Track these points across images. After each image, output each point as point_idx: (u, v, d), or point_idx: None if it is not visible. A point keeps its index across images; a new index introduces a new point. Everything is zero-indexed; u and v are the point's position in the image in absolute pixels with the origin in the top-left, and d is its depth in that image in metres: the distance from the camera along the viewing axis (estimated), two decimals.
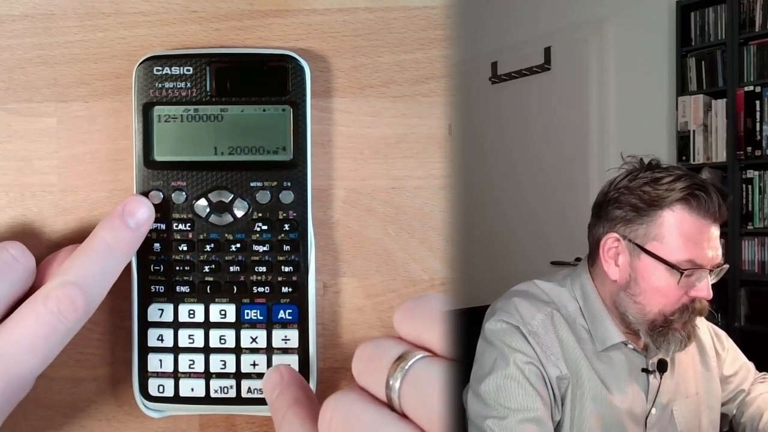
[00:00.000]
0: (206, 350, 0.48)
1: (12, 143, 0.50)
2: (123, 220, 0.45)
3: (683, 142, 1.74)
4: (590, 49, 1.82)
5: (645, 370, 0.68)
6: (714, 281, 0.66)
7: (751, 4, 1.65)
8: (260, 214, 0.48)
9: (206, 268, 0.48)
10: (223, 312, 0.48)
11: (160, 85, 0.48)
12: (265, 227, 0.48)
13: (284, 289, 0.48)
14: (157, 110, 0.48)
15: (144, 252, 0.48)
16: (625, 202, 0.66)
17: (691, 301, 0.65)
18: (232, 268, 0.48)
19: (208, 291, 0.48)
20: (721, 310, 1.56)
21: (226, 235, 0.48)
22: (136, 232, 0.46)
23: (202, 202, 0.48)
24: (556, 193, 1.87)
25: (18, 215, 0.50)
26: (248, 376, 0.48)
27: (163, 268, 0.48)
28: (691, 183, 0.64)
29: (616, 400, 0.66)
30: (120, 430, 0.50)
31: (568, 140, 1.86)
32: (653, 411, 0.68)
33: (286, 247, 0.48)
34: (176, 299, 0.48)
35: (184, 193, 0.48)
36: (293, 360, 0.48)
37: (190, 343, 0.48)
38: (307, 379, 0.48)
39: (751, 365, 0.79)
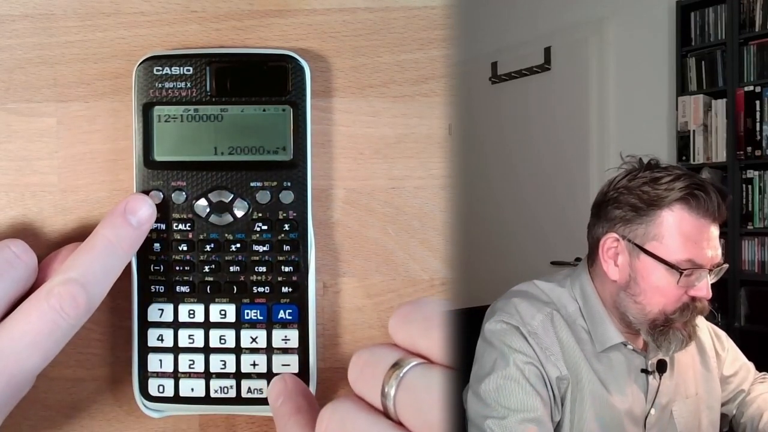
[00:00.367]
0: (206, 350, 0.48)
1: (12, 143, 0.50)
2: (125, 218, 0.45)
3: (683, 142, 1.74)
4: (590, 49, 1.82)
5: (644, 371, 0.68)
6: (714, 281, 0.66)
7: (751, 4, 1.65)
8: (260, 214, 0.48)
9: (206, 268, 0.48)
10: (223, 312, 0.48)
11: (160, 85, 0.48)
12: (265, 227, 0.48)
13: (284, 289, 0.48)
14: (157, 110, 0.48)
15: (144, 252, 0.47)
16: (625, 202, 0.66)
17: (692, 300, 0.65)
18: (232, 268, 0.48)
19: (208, 291, 0.48)
20: (721, 310, 1.56)
21: (226, 235, 0.48)
22: (138, 231, 0.46)
23: (202, 202, 0.48)
24: (556, 193, 1.87)
25: (18, 215, 0.50)
26: (248, 376, 0.48)
27: (163, 268, 0.48)
28: (691, 183, 0.64)
29: (616, 400, 0.66)
30: (120, 430, 0.50)
31: (568, 140, 1.86)
32: (652, 411, 0.68)
33: (286, 247, 0.48)
34: (176, 299, 0.48)
35: (184, 193, 0.48)
36: (293, 360, 0.48)
37: (190, 343, 0.48)
38: (307, 379, 0.48)
39: (750, 365, 0.79)
